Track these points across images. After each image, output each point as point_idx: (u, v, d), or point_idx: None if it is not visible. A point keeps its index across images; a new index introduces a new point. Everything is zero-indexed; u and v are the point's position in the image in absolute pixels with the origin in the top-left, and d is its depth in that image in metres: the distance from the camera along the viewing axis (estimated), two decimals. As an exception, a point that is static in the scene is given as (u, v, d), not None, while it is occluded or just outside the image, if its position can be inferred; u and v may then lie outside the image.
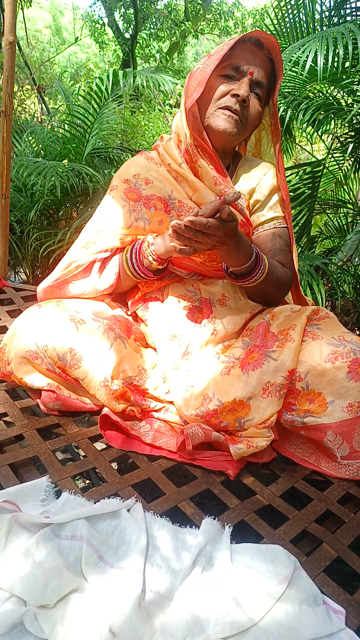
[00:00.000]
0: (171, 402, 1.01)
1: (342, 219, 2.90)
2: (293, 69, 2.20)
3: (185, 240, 0.87)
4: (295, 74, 2.28)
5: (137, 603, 0.59)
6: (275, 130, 1.15)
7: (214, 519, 0.75)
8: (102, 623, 0.56)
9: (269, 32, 2.47)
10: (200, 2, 9.21)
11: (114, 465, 1.24)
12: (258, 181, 1.12)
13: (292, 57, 1.90)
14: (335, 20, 2.39)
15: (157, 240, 1.02)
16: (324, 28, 2.30)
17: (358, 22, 1.82)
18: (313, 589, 0.65)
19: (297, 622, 0.60)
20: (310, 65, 1.87)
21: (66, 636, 0.55)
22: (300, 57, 1.83)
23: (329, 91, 2.46)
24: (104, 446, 0.94)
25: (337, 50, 1.74)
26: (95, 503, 0.76)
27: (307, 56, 1.74)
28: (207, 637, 0.56)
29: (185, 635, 0.56)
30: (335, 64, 2.02)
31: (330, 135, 2.78)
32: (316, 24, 2.38)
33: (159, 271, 1.07)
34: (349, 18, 2.35)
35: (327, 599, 0.65)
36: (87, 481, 1.37)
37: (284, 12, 2.41)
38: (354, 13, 2.36)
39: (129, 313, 1.16)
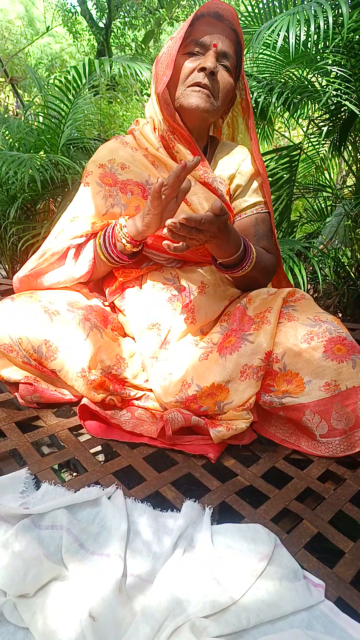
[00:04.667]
0: (151, 390, 1.01)
1: (321, 203, 2.91)
2: (266, 52, 2.18)
3: (180, 238, 0.85)
4: (267, 57, 2.26)
5: (117, 588, 0.59)
6: (246, 105, 1.13)
7: (195, 501, 0.75)
8: (82, 609, 0.56)
9: (245, 17, 2.44)
10: (174, -12, 9.06)
11: (101, 457, 1.24)
12: (238, 166, 1.11)
13: (267, 40, 1.87)
14: None
15: (129, 222, 0.98)
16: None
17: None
18: (293, 565, 0.66)
19: (278, 598, 0.61)
20: (284, 46, 1.86)
21: (46, 624, 0.54)
22: (270, 38, 1.80)
23: (304, 75, 2.44)
24: (89, 437, 0.93)
25: (307, 29, 1.72)
26: (75, 492, 0.75)
27: (278, 34, 1.71)
28: (188, 616, 0.57)
29: (166, 617, 0.57)
30: (308, 44, 2.01)
31: (307, 120, 2.77)
32: (289, 4, 2.35)
33: (134, 254, 1.04)
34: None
35: (307, 574, 0.66)
36: (75, 474, 1.37)
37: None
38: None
39: (106, 303, 1.14)
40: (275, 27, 1.70)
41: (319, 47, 2.06)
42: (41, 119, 2.70)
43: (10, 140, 2.66)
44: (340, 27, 1.80)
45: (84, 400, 0.94)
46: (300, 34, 1.80)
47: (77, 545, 0.66)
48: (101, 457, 1.24)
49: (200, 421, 0.90)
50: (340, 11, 1.64)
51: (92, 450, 0.89)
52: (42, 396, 0.97)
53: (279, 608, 0.60)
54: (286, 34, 1.69)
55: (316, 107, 2.43)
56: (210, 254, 1.01)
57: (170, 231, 0.83)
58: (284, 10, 2.31)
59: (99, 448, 1.16)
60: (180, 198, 0.89)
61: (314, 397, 0.87)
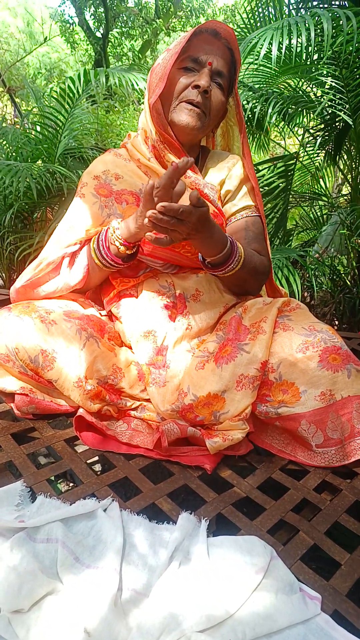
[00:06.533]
0: (147, 400, 1.01)
1: (317, 211, 2.93)
2: (261, 62, 2.20)
3: (162, 229, 0.85)
4: (262, 67, 2.29)
5: (113, 602, 0.58)
6: (239, 120, 1.15)
7: (191, 513, 0.75)
8: (77, 624, 0.55)
9: (240, 28, 2.47)
10: (170, -1, 9.18)
11: (98, 466, 1.23)
12: (228, 172, 1.13)
13: (258, 51, 1.90)
14: (303, 12, 2.41)
15: (122, 224, 0.98)
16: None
17: (322, 8, 1.81)
18: (289, 578, 0.66)
19: (273, 611, 0.61)
20: (278, 57, 1.88)
21: (40, 640, 0.54)
22: (264, 48, 1.83)
23: (299, 85, 2.47)
24: (86, 448, 0.93)
25: (298, 39, 1.75)
26: (71, 505, 0.75)
27: (263, 43, 1.73)
28: (183, 631, 0.56)
29: (161, 631, 0.56)
30: (303, 56, 2.04)
31: (303, 129, 2.80)
32: (284, 17, 2.38)
33: (129, 258, 1.04)
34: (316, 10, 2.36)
35: (303, 586, 0.66)
36: (71, 484, 1.36)
37: (253, 7, 2.42)
38: (320, 6, 2.38)
39: (103, 313, 1.15)
40: (260, 39, 1.73)
41: (313, 59, 2.08)
42: (38, 129, 2.71)
43: (8, 149, 2.67)
44: (324, 40, 1.83)
45: (80, 411, 0.94)
46: (291, 45, 1.82)
47: (72, 558, 0.66)
48: (98, 467, 1.23)
49: (196, 432, 0.90)
50: (331, 23, 1.66)
51: (89, 461, 0.89)
52: (38, 407, 0.96)
53: (275, 621, 0.59)
54: (270, 46, 1.72)
55: (311, 117, 2.46)
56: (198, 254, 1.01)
57: (151, 222, 0.83)
58: (279, 20, 2.34)
59: (95, 458, 1.15)
60: (176, 201, 0.88)
61: (309, 406, 0.87)
